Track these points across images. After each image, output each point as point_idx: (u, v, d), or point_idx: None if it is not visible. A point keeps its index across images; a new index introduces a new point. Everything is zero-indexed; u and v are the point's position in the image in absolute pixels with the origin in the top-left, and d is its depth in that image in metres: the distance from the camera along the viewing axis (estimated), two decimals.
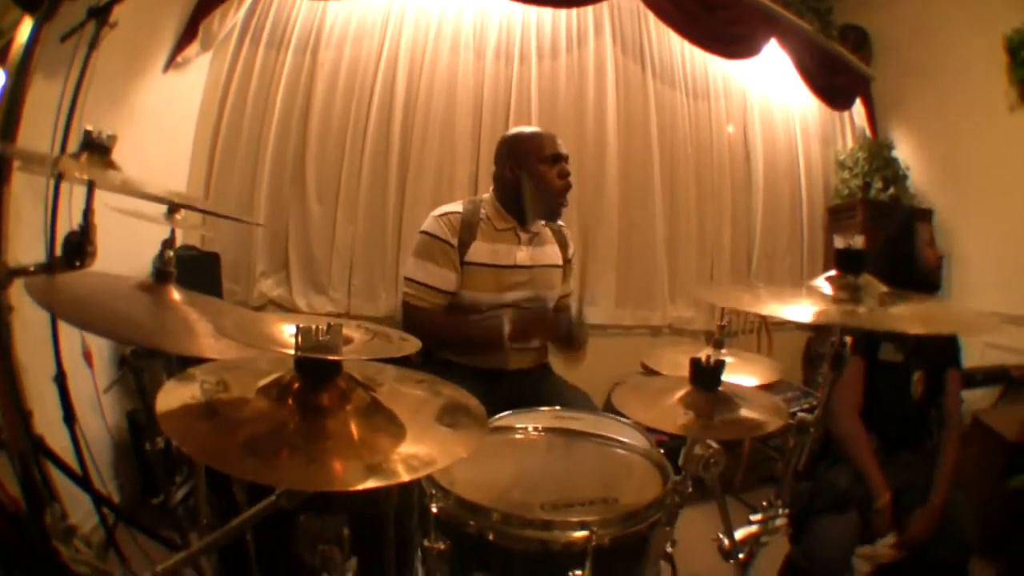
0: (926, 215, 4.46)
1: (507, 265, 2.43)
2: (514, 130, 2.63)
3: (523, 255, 2.46)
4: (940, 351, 2.40)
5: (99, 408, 2.54)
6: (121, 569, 1.98)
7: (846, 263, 1.45)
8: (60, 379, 1.97)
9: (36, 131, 2.06)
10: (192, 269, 3.05)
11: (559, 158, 2.44)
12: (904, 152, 4.90)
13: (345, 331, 0.96)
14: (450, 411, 1.05)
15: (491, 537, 1.20)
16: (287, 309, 3.57)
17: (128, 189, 1.28)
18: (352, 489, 0.81)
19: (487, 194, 2.56)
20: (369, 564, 1.03)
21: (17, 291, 1.23)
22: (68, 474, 1.89)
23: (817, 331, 4.61)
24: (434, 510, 1.24)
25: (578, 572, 1.15)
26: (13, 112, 1.91)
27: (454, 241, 2.37)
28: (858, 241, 1.43)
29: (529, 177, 2.40)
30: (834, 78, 4.88)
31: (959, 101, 4.43)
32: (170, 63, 3.10)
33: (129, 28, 2.36)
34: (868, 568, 2.37)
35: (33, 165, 1.78)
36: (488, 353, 2.41)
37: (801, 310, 1.40)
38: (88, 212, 1.11)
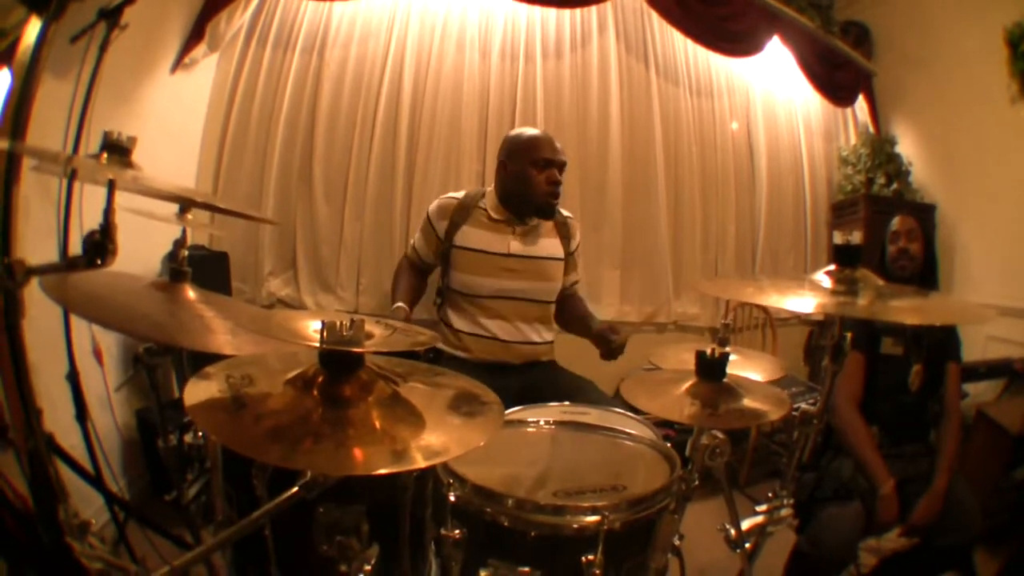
0: (926, 209, 4.49)
1: (498, 253, 2.52)
2: (519, 129, 2.71)
3: (516, 245, 2.55)
4: (939, 345, 2.45)
5: (109, 406, 2.56)
6: (135, 566, 1.99)
7: (843, 257, 1.48)
8: (73, 377, 1.98)
9: (46, 131, 2.08)
10: (201, 269, 3.04)
11: (551, 164, 2.52)
12: (906, 147, 4.91)
13: (367, 327, 0.99)
14: (466, 401, 1.09)
15: (505, 523, 1.23)
16: (295, 308, 3.58)
17: (147, 189, 1.30)
18: (374, 473, 0.85)
19: (491, 186, 2.66)
20: (385, 554, 1.05)
21: (27, 289, 1.24)
22: (79, 472, 1.90)
23: (819, 325, 4.63)
24: (451, 499, 1.27)
25: (590, 556, 1.18)
26: (22, 112, 1.92)
27: (441, 224, 2.57)
28: (856, 236, 1.46)
29: (517, 176, 2.53)
30: (836, 74, 4.90)
31: (960, 95, 4.44)
32: (177, 64, 3.11)
33: (136, 29, 2.37)
34: (874, 559, 2.40)
35: (48, 164, 1.79)
36: (494, 325, 2.55)
37: (802, 301, 1.42)
38: (109, 211, 1.13)
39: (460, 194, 2.63)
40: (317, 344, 0.95)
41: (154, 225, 1.80)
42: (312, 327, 1.02)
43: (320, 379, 0.98)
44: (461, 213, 2.56)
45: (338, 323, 0.93)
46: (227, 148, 3.54)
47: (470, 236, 2.52)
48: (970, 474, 2.50)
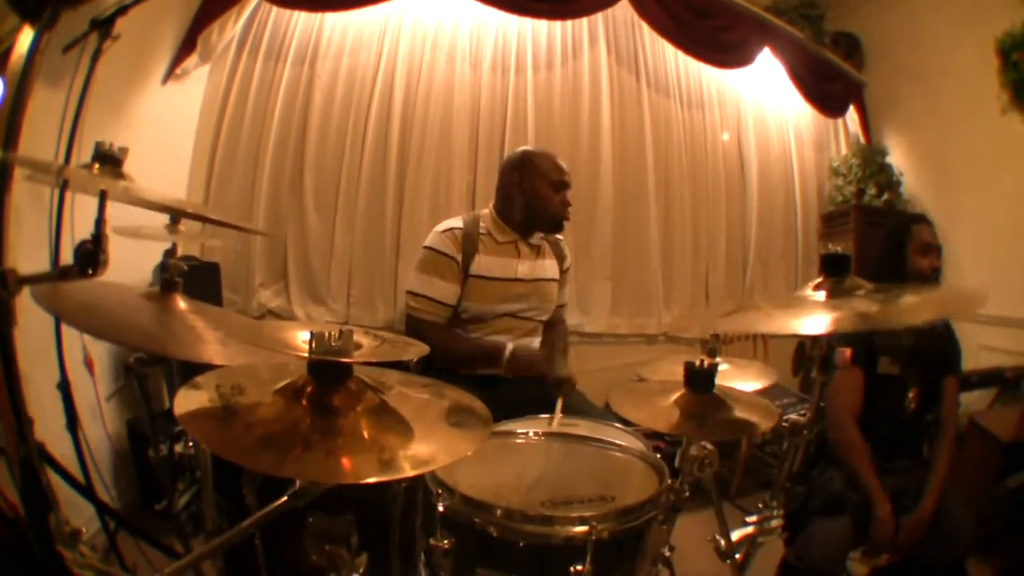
0: (922, 220, 4.48)
1: (508, 278, 2.49)
2: (528, 148, 2.70)
3: (523, 268, 2.53)
4: (938, 360, 2.39)
5: (100, 416, 2.55)
6: (125, 574, 1.99)
7: (831, 267, 1.48)
8: (64, 386, 1.97)
9: (39, 140, 2.08)
10: (192, 279, 3.02)
11: (565, 186, 2.55)
12: (897, 157, 4.92)
13: (356, 337, 0.99)
14: (455, 412, 1.09)
15: (494, 533, 1.23)
16: (286, 319, 3.57)
17: (138, 201, 1.31)
18: (363, 482, 0.85)
19: (486, 209, 2.62)
20: (375, 564, 1.05)
21: (18, 298, 1.24)
22: (70, 481, 1.90)
23: (809, 337, 4.61)
24: (440, 508, 1.27)
25: (579, 567, 1.18)
26: (14, 121, 1.93)
27: (459, 257, 2.44)
28: (843, 246, 1.46)
29: (533, 193, 2.51)
30: (827, 85, 4.92)
31: (951, 105, 4.45)
32: (169, 74, 3.12)
33: (128, 39, 2.37)
34: (863, 571, 2.39)
35: (40, 174, 1.80)
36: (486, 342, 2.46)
37: (813, 321, 1.39)
38: (100, 222, 1.13)
39: (459, 223, 2.54)
40: (306, 354, 0.96)
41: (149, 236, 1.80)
42: (301, 337, 1.03)
43: (309, 389, 0.98)
44: (470, 242, 2.49)
45: (327, 333, 0.94)
46: (218, 159, 3.54)
47: (482, 264, 2.47)
48: (962, 483, 2.48)
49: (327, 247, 3.69)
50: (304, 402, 0.96)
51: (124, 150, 1.30)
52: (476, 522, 1.25)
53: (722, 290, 4.69)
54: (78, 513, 2.14)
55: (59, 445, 1.92)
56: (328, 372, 0.98)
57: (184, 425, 0.89)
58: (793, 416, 1.57)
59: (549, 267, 2.64)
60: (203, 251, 3.40)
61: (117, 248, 1.19)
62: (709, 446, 1.38)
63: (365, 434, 0.94)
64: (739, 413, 1.42)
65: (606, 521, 1.24)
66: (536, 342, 2.62)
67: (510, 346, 2.38)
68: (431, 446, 0.96)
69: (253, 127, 3.58)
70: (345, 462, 0.88)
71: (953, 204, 4.45)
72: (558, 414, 1.96)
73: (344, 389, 0.98)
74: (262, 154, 3.57)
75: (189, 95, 3.41)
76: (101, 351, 2.53)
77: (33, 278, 1.18)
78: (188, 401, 0.96)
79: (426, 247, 2.49)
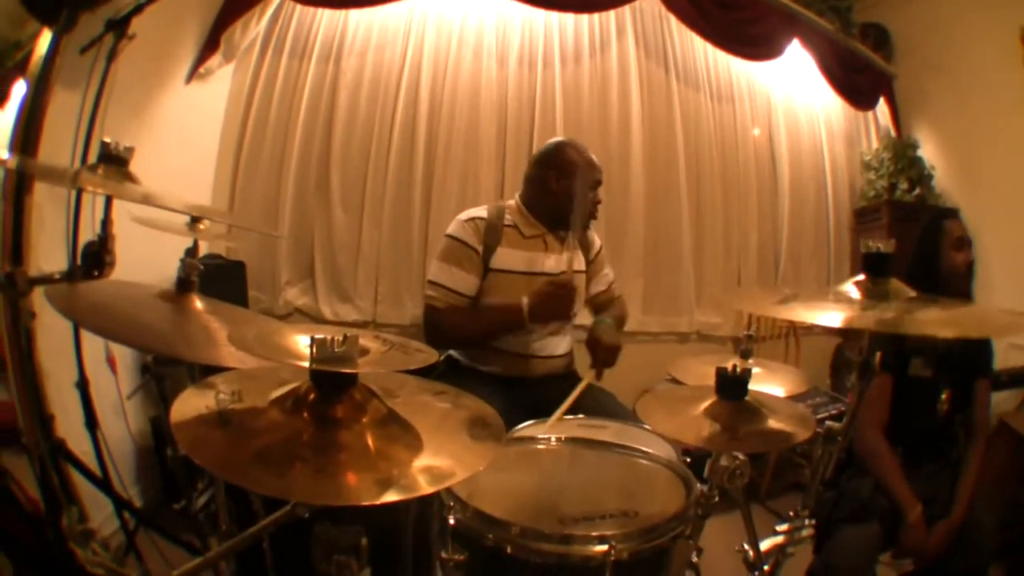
0: (953, 215, 4.38)
1: (534, 272, 2.41)
2: (563, 140, 2.59)
3: (551, 263, 2.46)
4: (970, 362, 2.31)
5: (122, 414, 2.56)
6: (139, 573, 1.99)
7: (873, 266, 1.40)
8: (82, 385, 1.98)
9: (57, 142, 2.08)
10: (217, 278, 3.05)
11: (599, 184, 2.54)
12: (928, 151, 4.82)
13: (362, 342, 0.94)
14: (469, 423, 1.03)
15: (509, 550, 1.18)
16: (312, 317, 3.58)
17: (147, 201, 1.28)
18: (365, 504, 0.79)
19: (512, 200, 2.55)
20: (388, 574, 1.01)
21: (41, 297, 1.24)
22: (89, 477, 1.90)
23: (846, 337, 4.53)
24: (451, 522, 1.22)
25: None
26: (33, 123, 1.93)
27: (479, 247, 2.37)
28: (885, 244, 1.39)
29: (567, 192, 2.41)
30: (857, 77, 4.83)
31: (979, 97, 4.36)
32: (192, 74, 3.12)
33: (150, 40, 2.37)
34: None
35: (52, 178, 1.80)
36: (511, 338, 2.37)
37: (830, 316, 1.34)
38: (106, 223, 1.11)
39: (483, 212, 2.46)
40: (306, 363, 0.89)
41: (172, 235, 1.79)
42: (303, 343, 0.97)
43: (311, 398, 0.92)
44: (492, 235, 2.41)
45: (329, 339, 0.88)
46: (244, 157, 3.55)
47: (507, 258, 2.40)
48: (989, 485, 2.40)
49: (354, 245, 3.67)
50: (305, 413, 0.91)
51: (130, 149, 1.27)
52: (489, 538, 1.19)
53: (754, 287, 4.58)
54: (101, 511, 2.14)
55: (82, 442, 1.93)
56: (331, 380, 0.92)
57: (176, 433, 0.83)
58: (828, 422, 1.50)
59: (576, 258, 2.53)
60: (228, 250, 3.40)
61: (142, 247, 1.16)
62: (741, 457, 1.33)
63: (370, 448, 0.89)
64: (773, 423, 1.35)
65: (627, 540, 1.18)
66: (561, 342, 2.54)
67: (525, 297, 2.26)
68: (442, 461, 0.90)
69: (278, 125, 3.58)
70: (348, 479, 0.83)
71: (984, 198, 4.35)
72: (580, 389, 1.97)
73: (348, 399, 0.93)
74: (288, 152, 3.57)
75: (213, 94, 3.42)
76: (124, 349, 2.53)
77: (42, 279, 1.17)
78: (187, 405, 0.91)
79: (447, 235, 2.43)
